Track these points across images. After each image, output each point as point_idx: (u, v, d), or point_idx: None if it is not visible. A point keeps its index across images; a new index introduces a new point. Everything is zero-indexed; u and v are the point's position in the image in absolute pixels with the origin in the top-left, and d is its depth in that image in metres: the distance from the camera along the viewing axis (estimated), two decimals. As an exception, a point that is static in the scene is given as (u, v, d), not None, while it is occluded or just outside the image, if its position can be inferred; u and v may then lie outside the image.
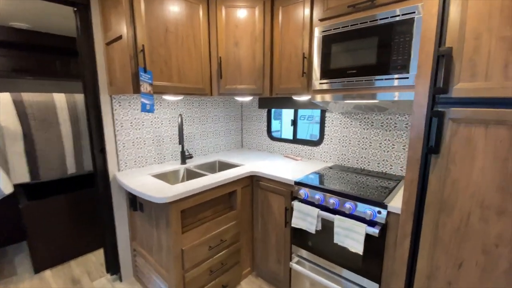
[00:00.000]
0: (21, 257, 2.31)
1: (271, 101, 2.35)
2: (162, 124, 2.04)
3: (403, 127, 1.69)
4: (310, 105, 2.04)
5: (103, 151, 1.79)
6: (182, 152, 2.05)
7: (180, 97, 1.87)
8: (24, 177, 2.10)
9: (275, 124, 3.37)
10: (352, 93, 1.49)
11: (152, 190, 1.44)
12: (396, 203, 1.28)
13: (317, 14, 1.58)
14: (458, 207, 1.05)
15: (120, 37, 1.48)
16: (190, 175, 2.01)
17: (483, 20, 0.91)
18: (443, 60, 1.02)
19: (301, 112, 2.34)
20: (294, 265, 1.66)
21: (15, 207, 2.44)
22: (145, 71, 1.45)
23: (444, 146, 1.06)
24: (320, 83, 1.61)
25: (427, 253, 1.15)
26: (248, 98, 2.02)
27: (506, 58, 0.89)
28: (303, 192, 1.56)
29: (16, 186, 2.14)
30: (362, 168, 1.90)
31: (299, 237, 1.65)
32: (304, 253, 1.64)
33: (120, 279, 1.99)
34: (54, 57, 2.78)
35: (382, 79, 1.36)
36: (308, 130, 3.71)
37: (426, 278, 1.16)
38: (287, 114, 2.54)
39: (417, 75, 1.10)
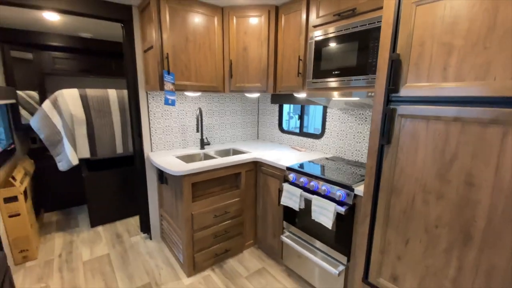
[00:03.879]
0: (82, 215, 3.01)
1: (281, 97, 2.61)
2: (186, 115, 2.46)
3: (393, 123, 1.82)
4: (310, 101, 2.26)
5: (140, 135, 2.28)
6: (201, 140, 2.45)
7: (198, 94, 2.25)
8: (86, 153, 2.72)
9: (294, 120, 3.59)
10: (335, 91, 1.69)
11: (173, 166, 1.85)
12: (362, 187, 1.47)
13: (311, 22, 1.80)
14: (405, 191, 1.22)
15: (152, 47, 1.91)
16: (207, 158, 2.40)
17: (427, 28, 1.07)
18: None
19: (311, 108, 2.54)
20: (284, 238, 1.93)
21: (80, 176, 3.14)
22: (168, 73, 1.85)
23: (394, 138, 1.23)
24: (313, 82, 1.83)
25: (381, 230, 1.33)
26: (255, 95, 2.32)
27: (444, 62, 1.04)
28: (292, 176, 1.82)
29: (80, 160, 2.79)
30: (356, 160, 2.07)
31: (289, 214, 1.92)
32: (292, 228, 1.91)
33: (150, 238, 2.50)
34: (110, 60, 3.43)
35: (359, 79, 1.55)
36: (314, 123, 3.85)
37: (380, 252, 1.35)
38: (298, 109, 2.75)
39: (376, 77, 1.28)
